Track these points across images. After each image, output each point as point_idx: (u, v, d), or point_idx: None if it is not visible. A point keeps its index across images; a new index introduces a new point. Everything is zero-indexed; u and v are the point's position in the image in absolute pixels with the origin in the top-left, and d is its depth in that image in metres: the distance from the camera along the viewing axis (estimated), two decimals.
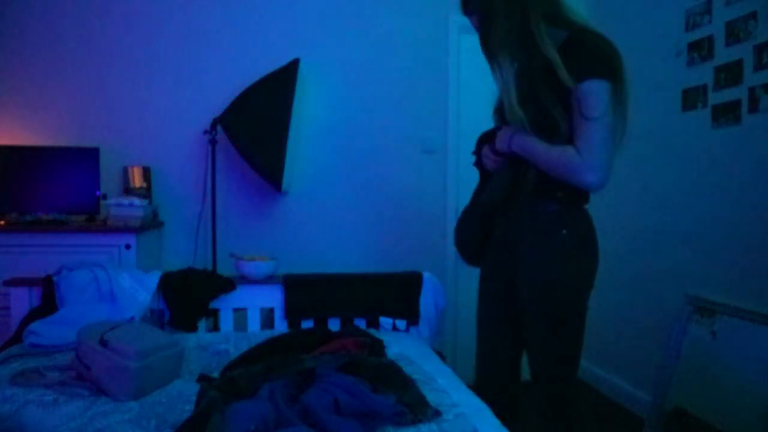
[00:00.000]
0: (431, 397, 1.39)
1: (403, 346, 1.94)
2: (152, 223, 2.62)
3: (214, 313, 2.25)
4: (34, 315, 1.99)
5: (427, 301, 2.31)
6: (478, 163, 1.62)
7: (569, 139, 1.32)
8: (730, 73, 2.18)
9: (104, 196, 2.54)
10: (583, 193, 1.42)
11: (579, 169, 1.29)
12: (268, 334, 2.06)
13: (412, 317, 2.29)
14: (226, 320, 2.24)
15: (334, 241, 3.02)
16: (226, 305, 2.24)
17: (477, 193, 1.65)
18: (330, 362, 1.44)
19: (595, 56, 1.29)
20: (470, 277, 1.98)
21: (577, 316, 1.42)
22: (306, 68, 2.80)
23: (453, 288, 3.07)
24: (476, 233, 1.62)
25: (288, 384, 1.30)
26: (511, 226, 1.48)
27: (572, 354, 1.44)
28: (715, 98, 2.26)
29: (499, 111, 1.51)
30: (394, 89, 3.07)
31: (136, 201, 2.44)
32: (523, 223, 1.44)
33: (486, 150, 1.52)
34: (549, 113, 1.31)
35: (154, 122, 2.83)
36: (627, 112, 1.34)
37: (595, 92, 1.27)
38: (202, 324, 2.20)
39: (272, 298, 2.27)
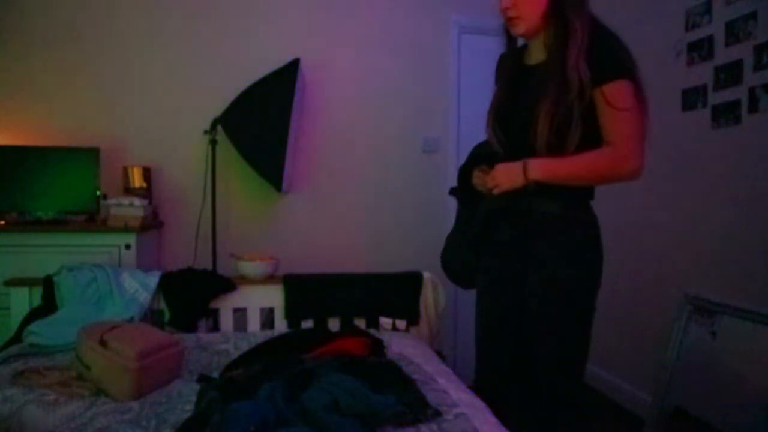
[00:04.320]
0: (431, 397, 1.39)
1: (403, 346, 1.94)
2: (152, 223, 2.62)
3: (214, 313, 2.25)
4: (34, 315, 1.99)
5: (427, 301, 2.32)
6: (456, 191, 1.61)
7: (578, 149, 1.32)
8: (730, 73, 2.18)
9: (104, 196, 2.54)
10: (589, 190, 1.43)
11: (618, 159, 1.30)
12: (268, 334, 2.06)
13: (412, 317, 2.29)
14: (226, 320, 2.24)
15: (335, 241, 3.02)
16: (226, 305, 2.24)
17: (460, 221, 1.63)
18: (330, 362, 1.44)
19: (617, 57, 1.31)
20: None
21: (589, 316, 1.42)
22: (306, 68, 2.80)
23: (453, 288, 3.06)
24: (473, 259, 1.60)
25: (288, 384, 1.30)
26: (517, 228, 1.46)
27: (582, 354, 1.44)
28: (715, 98, 2.26)
29: (497, 116, 1.50)
30: (394, 89, 3.07)
31: (136, 201, 2.44)
32: (532, 224, 1.42)
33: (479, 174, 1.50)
34: (571, 115, 1.31)
35: (154, 122, 2.83)
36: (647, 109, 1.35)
37: (621, 89, 1.30)
38: (202, 324, 2.21)
39: (272, 298, 2.27)
